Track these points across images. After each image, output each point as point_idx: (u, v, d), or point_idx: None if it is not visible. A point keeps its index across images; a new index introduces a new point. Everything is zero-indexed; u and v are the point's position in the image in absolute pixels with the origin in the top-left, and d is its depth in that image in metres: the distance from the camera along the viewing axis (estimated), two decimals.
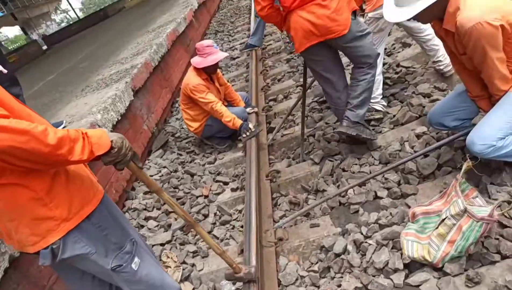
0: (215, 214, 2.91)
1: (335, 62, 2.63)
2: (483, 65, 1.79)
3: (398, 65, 3.65)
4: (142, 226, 2.98)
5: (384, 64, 3.83)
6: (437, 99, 2.89)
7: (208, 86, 3.45)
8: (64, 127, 3.29)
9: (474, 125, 2.01)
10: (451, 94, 2.27)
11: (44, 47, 20.24)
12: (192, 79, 3.42)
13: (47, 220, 1.30)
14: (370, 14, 2.91)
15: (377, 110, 3.06)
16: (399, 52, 3.96)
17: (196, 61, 3.42)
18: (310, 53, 2.53)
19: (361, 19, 2.81)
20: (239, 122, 3.36)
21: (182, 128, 4.42)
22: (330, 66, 2.61)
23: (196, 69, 3.45)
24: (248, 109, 3.76)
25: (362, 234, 2.09)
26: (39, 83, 7.09)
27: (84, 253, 1.38)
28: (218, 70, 3.71)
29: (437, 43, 3.05)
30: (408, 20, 1.82)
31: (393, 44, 4.17)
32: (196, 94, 3.38)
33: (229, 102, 3.84)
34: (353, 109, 2.58)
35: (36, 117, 1.37)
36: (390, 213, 2.14)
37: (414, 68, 3.55)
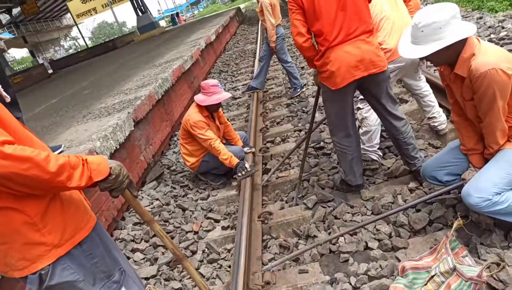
0: (203, 251, 2.87)
1: (352, 106, 2.70)
2: (488, 113, 1.83)
3: None
4: (128, 258, 2.92)
5: None
6: (431, 155, 2.96)
7: (208, 123, 3.52)
8: (61, 152, 3.31)
9: (463, 180, 2.06)
10: (445, 149, 2.34)
11: (50, 71, 20.62)
12: (193, 115, 3.50)
13: (38, 246, 1.29)
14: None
15: (373, 160, 3.12)
16: None
17: (200, 98, 3.51)
18: (344, 91, 2.52)
19: None
20: (235, 160, 3.39)
21: (179, 161, 4.44)
22: (351, 108, 2.67)
23: (198, 106, 3.54)
24: (245, 149, 3.81)
25: (350, 284, 2.07)
26: (41, 106, 7.17)
27: (72, 280, 1.35)
28: (220, 109, 3.80)
29: (433, 100, 3.17)
30: (422, 59, 1.89)
31: None
32: (196, 130, 3.44)
33: (227, 141, 3.90)
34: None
35: (36, 141, 1.39)
36: (380, 265, 2.13)
37: (410, 123, 3.65)
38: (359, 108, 3.07)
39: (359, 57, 2.38)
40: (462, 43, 1.80)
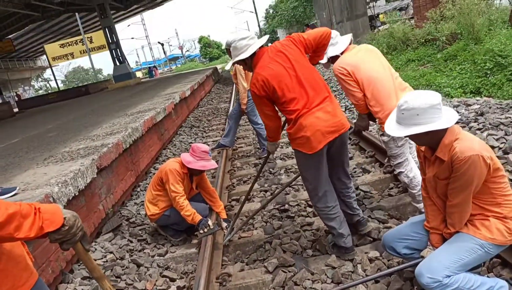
0: None
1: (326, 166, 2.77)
2: (459, 194, 1.91)
3: (357, 188, 3.88)
4: None
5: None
6: (391, 227, 3.03)
7: (183, 179, 3.48)
8: (15, 194, 3.14)
9: (422, 257, 2.11)
10: (406, 222, 2.41)
11: (16, 110, 20.05)
12: (172, 164, 3.46)
13: None
14: None
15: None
16: (359, 176, 4.24)
17: (187, 159, 3.46)
18: (320, 153, 2.62)
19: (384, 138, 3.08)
20: (198, 217, 3.32)
21: (139, 213, 4.29)
22: (326, 168, 2.74)
23: (181, 163, 3.51)
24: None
25: None
26: None
27: None
28: (206, 176, 3.74)
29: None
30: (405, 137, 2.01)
31: (354, 168, 4.48)
32: (169, 177, 3.37)
33: (208, 205, 3.78)
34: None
35: None
36: None
37: (371, 193, 3.78)
38: (401, 173, 3.10)
39: (331, 121, 2.57)
40: (443, 129, 1.91)
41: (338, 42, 3.11)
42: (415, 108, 1.86)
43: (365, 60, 3.00)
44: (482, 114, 4.70)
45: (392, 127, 2.03)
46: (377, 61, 3.05)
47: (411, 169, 3.07)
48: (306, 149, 2.60)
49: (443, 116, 1.88)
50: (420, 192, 2.43)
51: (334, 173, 2.84)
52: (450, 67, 8.17)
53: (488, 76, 6.86)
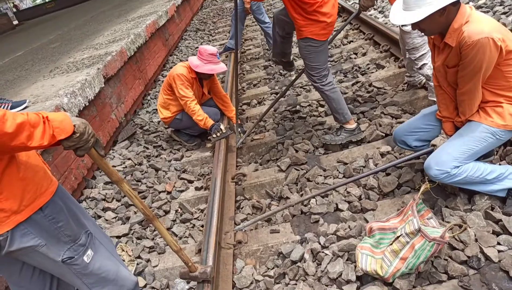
0: (176, 211, 2.87)
1: None
2: (469, 80, 1.83)
3: (370, 85, 3.77)
4: (99, 217, 2.89)
5: (357, 82, 3.95)
6: (404, 121, 3.00)
7: (192, 83, 3.40)
8: (26, 107, 3.15)
9: (433, 146, 2.11)
10: (417, 115, 2.36)
11: (15, 22, 19.37)
12: (179, 69, 3.36)
13: None
14: None
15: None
16: (372, 72, 4.09)
17: (194, 63, 3.33)
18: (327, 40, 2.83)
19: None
20: (210, 122, 3.34)
21: (152, 121, 4.34)
22: None
23: (189, 67, 3.39)
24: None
25: (319, 244, 2.13)
26: (4, 59, 6.75)
27: (33, 245, 1.32)
28: (217, 80, 3.64)
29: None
30: (414, 26, 1.84)
31: (368, 64, 4.30)
32: (177, 82, 3.30)
33: (220, 109, 3.75)
34: None
35: None
36: (349, 226, 2.19)
37: (385, 89, 3.68)
38: (424, 65, 2.97)
39: (335, 15, 2.71)
40: (454, 10, 1.76)
41: None
42: None
43: None
44: None
45: (402, 15, 1.84)
46: None
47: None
48: (322, 37, 2.69)
49: None
50: None
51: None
52: None
53: None
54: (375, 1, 3.04)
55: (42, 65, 5.02)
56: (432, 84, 2.94)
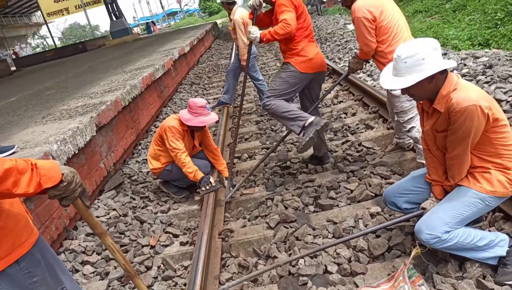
0: (158, 267, 2.74)
1: None
2: (458, 146, 1.86)
3: (360, 144, 3.83)
4: (77, 271, 2.75)
5: (347, 141, 4.02)
6: (393, 182, 3.01)
7: (183, 136, 3.42)
8: (14, 153, 3.11)
9: (423, 209, 2.10)
10: (407, 177, 2.38)
11: (13, 68, 19.74)
12: (171, 121, 3.39)
13: None
14: None
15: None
16: (362, 132, 4.18)
17: (185, 117, 3.35)
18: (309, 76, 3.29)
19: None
20: (200, 174, 3.31)
21: (141, 171, 4.29)
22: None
23: (180, 119, 3.41)
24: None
25: None
26: None
27: None
28: (209, 133, 3.67)
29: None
30: (403, 91, 1.90)
31: (357, 124, 4.41)
32: (168, 134, 3.32)
33: (211, 162, 3.72)
34: None
35: None
36: None
37: (374, 149, 3.73)
38: (413, 128, 3.02)
39: (321, 57, 3.28)
40: (442, 78, 1.84)
41: None
42: (419, 52, 1.78)
43: (387, 5, 2.84)
44: (490, 67, 4.54)
45: (392, 81, 1.93)
46: (395, 7, 2.91)
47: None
48: (302, 68, 3.19)
49: (444, 60, 1.81)
50: None
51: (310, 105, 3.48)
52: (459, 18, 7.85)
53: (498, 26, 6.59)
54: (364, 65, 3.20)
55: (35, 111, 5.04)
56: (420, 146, 3.00)
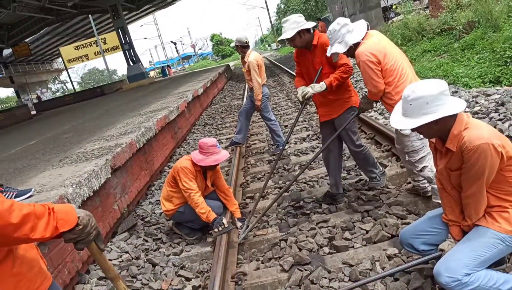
0: None
1: None
2: (473, 184, 1.83)
3: None
4: None
5: (360, 180, 3.98)
6: (409, 222, 2.94)
7: (196, 176, 3.45)
8: (30, 196, 3.17)
9: (441, 251, 2.03)
10: (423, 217, 2.32)
11: (33, 112, 20.47)
12: (183, 162, 3.44)
13: None
14: None
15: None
16: None
17: (197, 158, 3.40)
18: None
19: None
20: (213, 215, 3.30)
21: (154, 212, 4.30)
22: None
23: (192, 160, 3.46)
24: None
25: None
26: (16, 147, 6.99)
27: None
28: (221, 173, 3.70)
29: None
30: (413, 130, 1.92)
31: None
32: (181, 175, 3.35)
33: (223, 203, 3.72)
34: None
35: None
36: None
37: (388, 188, 3.68)
38: (425, 168, 3.01)
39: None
40: (452, 118, 1.84)
41: (354, 28, 2.94)
42: (424, 96, 1.80)
43: (389, 49, 2.90)
44: (503, 104, 4.53)
45: (400, 120, 1.95)
46: (397, 50, 2.97)
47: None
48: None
49: (452, 103, 1.82)
50: None
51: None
52: (468, 56, 7.92)
53: (508, 64, 6.61)
54: (374, 105, 3.23)
55: (53, 154, 5.16)
56: (435, 186, 2.95)
